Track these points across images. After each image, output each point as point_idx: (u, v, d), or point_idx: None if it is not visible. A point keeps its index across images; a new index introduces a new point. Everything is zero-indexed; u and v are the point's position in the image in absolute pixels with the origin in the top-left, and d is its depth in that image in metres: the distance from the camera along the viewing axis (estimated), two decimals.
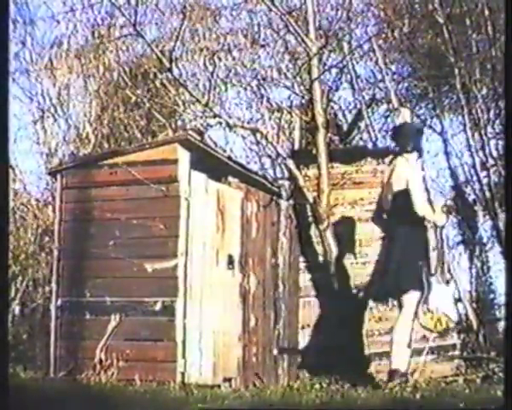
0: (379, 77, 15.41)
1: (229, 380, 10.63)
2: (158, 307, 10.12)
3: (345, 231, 11.94)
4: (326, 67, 13.86)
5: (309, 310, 12.19)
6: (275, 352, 11.75)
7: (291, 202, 12.18)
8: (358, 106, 15.66)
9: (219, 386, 10.13)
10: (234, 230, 11.12)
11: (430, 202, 12.38)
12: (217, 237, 10.79)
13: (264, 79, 15.06)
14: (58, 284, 10.66)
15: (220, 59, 14.49)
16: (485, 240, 16.33)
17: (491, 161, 14.85)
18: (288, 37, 14.13)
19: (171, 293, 10.11)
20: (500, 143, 14.62)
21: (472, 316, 13.33)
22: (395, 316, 11.72)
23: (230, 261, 10.97)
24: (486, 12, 14.36)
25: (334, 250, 11.79)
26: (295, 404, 8.47)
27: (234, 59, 14.89)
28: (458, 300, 13.35)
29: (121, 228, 10.41)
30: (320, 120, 12.03)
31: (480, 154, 14.93)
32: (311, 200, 11.91)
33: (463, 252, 16.83)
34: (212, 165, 10.92)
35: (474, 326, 13.20)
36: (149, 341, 10.09)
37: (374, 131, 15.07)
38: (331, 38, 13.54)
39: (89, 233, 10.62)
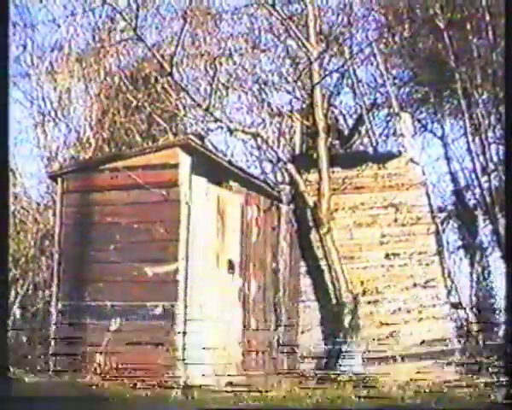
0: (380, 81, 15.39)
1: (231, 384, 10.59)
2: (158, 311, 10.11)
3: None
4: (327, 72, 13.86)
5: (309, 314, 12.19)
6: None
7: (291, 206, 12.18)
8: (359, 110, 15.62)
9: (220, 390, 10.11)
10: (234, 234, 11.15)
11: (431, 205, 12.44)
12: (217, 242, 10.81)
13: (265, 84, 15.06)
14: (58, 288, 10.66)
15: (221, 63, 14.47)
16: (485, 245, 16.31)
17: (491, 166, 14.85)
18: (289, 41, 14.14)
19: (172, 297, 10.10)
20: (501, 147, 14.62)
21: (472, 321, 13.31)
22: (396, 321, 11.78)
23: (231, 266, 10.99)
24: (487, 17, 14.37)
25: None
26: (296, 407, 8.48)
27: (235, 63, 14.88)
28: (458, 305, 13.33)
29: (122, 232, 10.41)
30: (321, 124, 12.04)
31: (481, 158, 14.93)
32: (311, 204, 11.91)
33: (464, 257, 16.80)
34: (213, 169, 10.92)
35: (475, 331, 13.18)
36: (150, 345, 10.08)
37: (374, 135, 15.05)
38: (332, 42, 13.56)
39: (89, 237, 10.62)
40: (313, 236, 12.18)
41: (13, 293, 14.33)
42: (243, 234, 11.31)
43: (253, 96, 15.29)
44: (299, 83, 14.58)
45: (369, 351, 11.42)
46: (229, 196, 11.12)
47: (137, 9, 11.86)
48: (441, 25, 14.54)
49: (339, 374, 10.91)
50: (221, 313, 10.75)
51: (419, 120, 16.75)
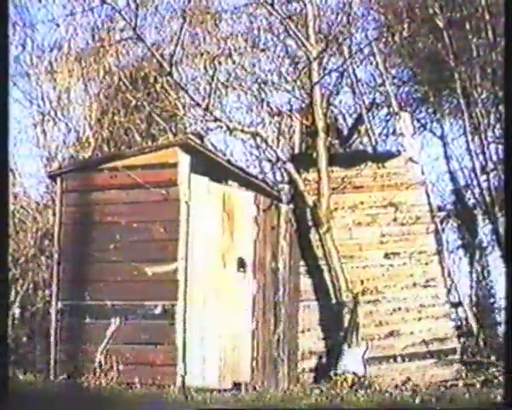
0: (379, 81, 15.39)
1: (238, 385, 10.55)
2: (158, 310, 10.12)
3: None
4: (326, 71, 13.86)
5: (309, 314, 12.18)
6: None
7: (291, 205, 12.17)
8: (359, 110, 15.63)
9: (219, 390, 10.11)
10: (243, 232, 11.11)
11: (430, 205, 12.45)
12: (223, 240, 10.79)
13: (264, 83, 15.07)
14: (58, 288, 10.66)
15: (220, 63, 14.47)
16: (485, 244, 16.30)
17: (491, 165, 14.85)
18: (289, 41, 14.15)
19: (172, 296, 10.10)
20: (500, 147, 14.61)
21: (472, 320, 13.33)
22: (395, 320, 11.78)
23: (241, 264, 11.00)
24: (487, 16, 14.37)
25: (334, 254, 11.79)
26: (295, 407, 8.48)
27: (234, 63, 14.88)
28: (458, 304, 13.33)
29: (121, 231, 10.41)
30: (320, 124, 12.03)
31: (480, 158, 14.93)
32: (310, 204, 11.90)
33: (463, 256, 16.80)
34: (213, 168, 10.92)
35: (474, 330, 13.20)
36: (149, 344, 10.09)
37: (374, 135, 15.06)
38: (331, 41, 13.52)
39: (89, 236, 10.63)
40: (313, 235, 12.17)
41: (13, 292, 14.34)
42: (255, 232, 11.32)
43: (253, 95, 15.30)
44: (299, 82, 14.59)
45: (368, 350, 11.41)
46: (238, 194, 11.09)
47: (137, 9, 11.85)
48: (441, 24, 14.54)
49: (338, 373, 10.91)
50: (227, 312, 10.72)
51: (418, 120, 16.75)
